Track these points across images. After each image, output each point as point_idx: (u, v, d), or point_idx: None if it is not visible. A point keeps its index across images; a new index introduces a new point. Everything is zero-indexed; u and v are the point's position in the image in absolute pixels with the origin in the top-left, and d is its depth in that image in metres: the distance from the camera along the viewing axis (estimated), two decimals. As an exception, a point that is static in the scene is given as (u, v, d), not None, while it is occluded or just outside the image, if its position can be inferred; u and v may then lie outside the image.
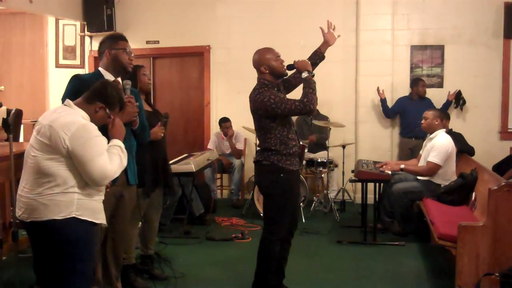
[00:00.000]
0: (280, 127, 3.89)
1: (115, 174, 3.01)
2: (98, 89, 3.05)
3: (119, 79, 3.72)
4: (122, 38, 3.72)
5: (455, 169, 5.95)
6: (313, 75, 3.90)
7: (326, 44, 4.29)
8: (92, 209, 2.96)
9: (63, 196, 2.84)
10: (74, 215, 2.86)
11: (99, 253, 3.73)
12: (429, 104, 7.43)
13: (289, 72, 4.06)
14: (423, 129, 6.21)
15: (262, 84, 3.92)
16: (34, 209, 2.83)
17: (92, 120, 2.97)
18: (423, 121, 6.07)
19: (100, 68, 3.68)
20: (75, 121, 2.86)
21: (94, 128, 2.91)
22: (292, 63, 3.99)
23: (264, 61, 3.92)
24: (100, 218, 3.03)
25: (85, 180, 2.88)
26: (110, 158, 2.96)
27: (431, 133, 6.01)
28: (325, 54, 4.29)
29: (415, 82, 7.60)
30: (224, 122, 7.82)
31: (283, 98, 3.86)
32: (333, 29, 4.31)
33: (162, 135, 4.45)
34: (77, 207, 2.87)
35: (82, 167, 2.84)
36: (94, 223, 2.98)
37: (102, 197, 3.06)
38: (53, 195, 2.83)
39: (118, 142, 3.11)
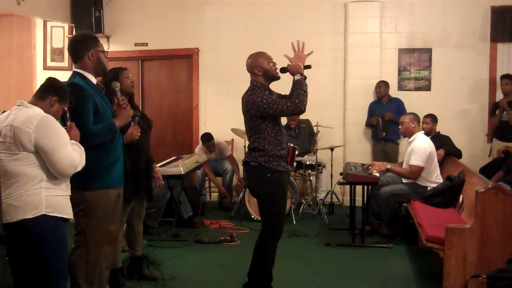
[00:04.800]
0: (270, 128, 3.97)
1: (80, 166, 3.03)
2: (47, 84, 3.10)
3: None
4: (98, 39, 3.61)
5: (439, 170, 6.00)
6: (305, 78, 4.00)
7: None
8: (60, 205, 2.98)
9: (31, 194, 2.87)
10: (44, 212, 2.89)
11: (101, 258, 3.67)
12: (398, 106, 7.50)
13: (282, 75, 4.10)
14: (401, 134, 6.30)
15: (255, 86, 4.02)
16: (5, 212, 2.84)
17: None
18: (400, 126, 6.14)
19: (79, 70, 3.47)
20: (35, 114, 2.89)
21: (55, 120, 2.95)
22: (285, 66, 4.09)
23: (257, 63, 4.02)
24: (69, 213, 3.05)
25: (52, 171, 2.90)
26: (74, 150, 3.00)
27: (409, 137, 6.07)
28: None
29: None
30: (208, 141, 7.48)
31: (275, 99, 3.96)
32: (302, 48, 4.12)
33: (138, 135, 4.13)
34: (46, 204, 2.90)
35: (49, 157, 2.87)
36: (64, 219, 3.01)
37: (69, 193, 3.08)
38: (22, 195, 2.85)
39: (74, 141, 3.11)
